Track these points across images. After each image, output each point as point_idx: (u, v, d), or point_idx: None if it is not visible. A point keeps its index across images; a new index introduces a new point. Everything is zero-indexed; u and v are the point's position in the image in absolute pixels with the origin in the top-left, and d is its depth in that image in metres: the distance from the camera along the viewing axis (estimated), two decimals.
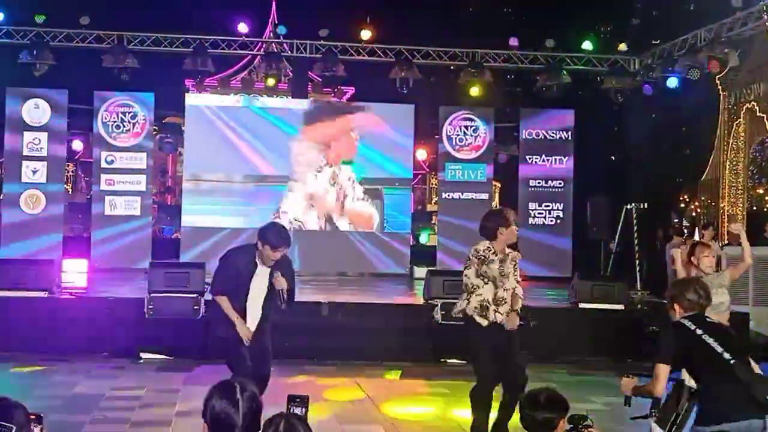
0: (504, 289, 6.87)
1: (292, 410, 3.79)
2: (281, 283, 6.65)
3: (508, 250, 7.00)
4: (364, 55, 18.28)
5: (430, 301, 11.85)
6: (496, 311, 6.82)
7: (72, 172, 24.46)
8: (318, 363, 11.02)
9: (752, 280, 13.33)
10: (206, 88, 20.73)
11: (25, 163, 17.09)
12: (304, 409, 3.61)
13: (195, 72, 17.87)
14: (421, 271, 15.95)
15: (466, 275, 6.91)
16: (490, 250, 6.89)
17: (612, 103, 18.38)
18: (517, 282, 7.00)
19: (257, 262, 6.69)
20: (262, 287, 6.73)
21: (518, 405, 3.52)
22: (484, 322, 6.81)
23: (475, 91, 18.15)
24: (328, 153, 18.20)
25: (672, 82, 16.89)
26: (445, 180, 18.62)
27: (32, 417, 3.15)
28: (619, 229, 16.14)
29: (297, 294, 6.98)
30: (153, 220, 18.98)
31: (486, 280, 6.85)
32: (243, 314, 6.70)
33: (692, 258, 7.51)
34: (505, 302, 6.87)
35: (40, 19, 16.95)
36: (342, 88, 24.81)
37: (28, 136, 17.10)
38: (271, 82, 17.72)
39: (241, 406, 3.12)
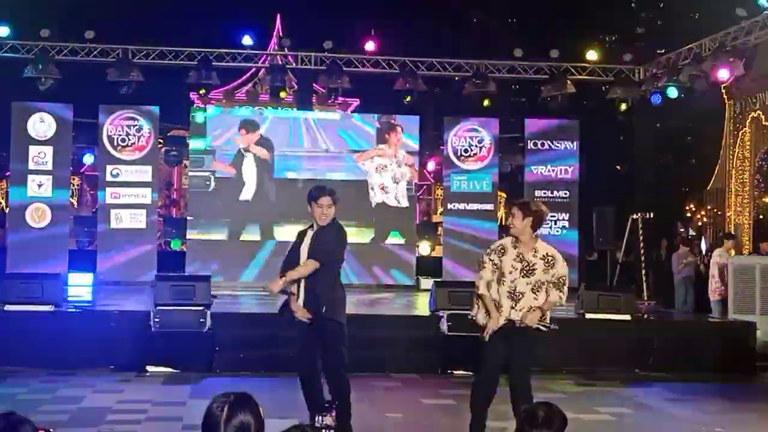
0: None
1: (317, 419, 3.76)
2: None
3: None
4: (368, 67, 18.28)
5: (436, 313, 11.81)
6: None
7: (77, 185, 24.50)
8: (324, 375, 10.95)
9: (759, 290, 13.28)
10: (211, 100, 20.77)
11: (30, 176, 17.11)
12: (332, 414, 3.57)
13: (200, 85, 17.90)
14: (427, 283, 15.90)
15: None
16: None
17: (617, 112, 18.37)
18: None
19: (311, 228, 6.82)
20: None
21: (516, 420, 3.50)
22: None
23: (486, 102, 18.12)
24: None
25: (672, 93, 16.87)
26: (451, 190, 18.60)
27: None
28: (626, 238, 16.11)
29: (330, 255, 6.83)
30: (158, 233, 18.99)
31: None
32: (299, 286, 6.75)
33: None
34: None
35: (45, 33, 16.99)
36: (347, 99, 24.86)
37: (33, 150, 17.12)
38: (282, 94, 17.76)
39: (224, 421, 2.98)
